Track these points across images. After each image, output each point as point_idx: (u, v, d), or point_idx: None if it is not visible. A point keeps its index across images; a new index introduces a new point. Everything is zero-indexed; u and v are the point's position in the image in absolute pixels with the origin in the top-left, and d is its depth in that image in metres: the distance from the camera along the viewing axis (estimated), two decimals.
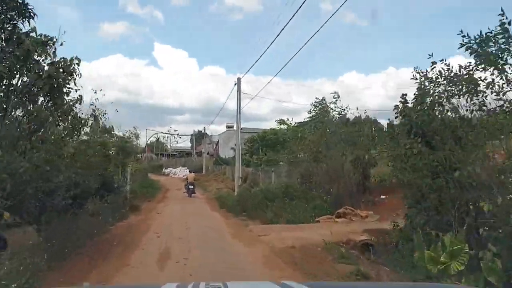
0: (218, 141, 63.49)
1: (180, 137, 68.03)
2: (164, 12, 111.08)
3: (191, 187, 22.42)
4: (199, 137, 73.58)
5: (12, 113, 7.14)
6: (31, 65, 6.93)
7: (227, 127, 65.11)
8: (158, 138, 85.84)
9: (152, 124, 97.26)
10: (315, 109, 14.45)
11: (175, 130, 71.76)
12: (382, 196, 14.42)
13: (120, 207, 14.34)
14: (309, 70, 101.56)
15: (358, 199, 13.69)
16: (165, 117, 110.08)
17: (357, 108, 12.30)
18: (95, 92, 12.42)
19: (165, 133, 53.88)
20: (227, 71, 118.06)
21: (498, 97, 6.19)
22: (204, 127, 45.99)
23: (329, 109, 13.56)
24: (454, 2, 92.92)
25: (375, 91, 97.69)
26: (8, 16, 6.97)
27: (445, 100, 7.43)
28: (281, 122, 18.27)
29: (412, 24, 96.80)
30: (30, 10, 7.12)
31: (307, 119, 18.10)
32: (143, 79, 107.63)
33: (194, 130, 64.03)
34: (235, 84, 19.42)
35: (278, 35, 14.98)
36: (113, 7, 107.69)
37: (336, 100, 13.19)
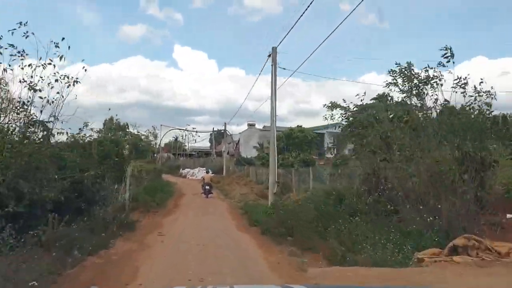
0: (239, 140, 58.72)
1: (199, 135, 63.67)
2: (183, 14, 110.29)
3: (207, 187, 21.80)
4: (218, 136, 69.33)
5: None
6: None
7: (249, 125, 60.82)
8: (177, 138, 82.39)
9: (171, 125, 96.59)
10: (396, 80, 9.19)
11: (193, 128, 67.72)
12: (509, 215, 9.19)
13: (107, 226, 9.62)
14: (330, 71, 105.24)
15: (477, 220, 8.49)
16: (185, 118, 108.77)
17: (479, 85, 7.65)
18: (55, 46, 7.75)
19: (181, 129, 49.44)
20: (247, 72, 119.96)
21: None
22: (225, 123, 41.06)
23: (436, 79, 8.14)
24: (477, 2, 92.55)
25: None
26: None
27: None
28: (334, 106, 13.08)
29: (434, 23, 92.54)
30: None
31: (372, 101, 12.87)
32: (163, 80, 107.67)
33: (213, 128, 59.53)
34: (269, 55, 14.53)
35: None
36: (133, 9, 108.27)
37: (448, 61, 7.85)
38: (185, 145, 77.42)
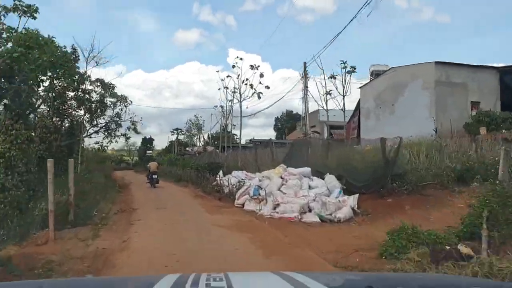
0: (358, 105, 25.92)
1: (261, 94, 28.27)
2: (236, 17, 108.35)
3: (154, 176, 19.90)
4: (290, 118, 37.46)
5: None
6: None
7: (375, 74, 28.36)
8: (226, 127, 50.35)
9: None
10: None
11: (257, 92, 35.01)
12: None
13: None
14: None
15: None
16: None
17: None
18: None
19: None
20: (301, 73, 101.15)
21: None
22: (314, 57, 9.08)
23: None
24: None
25: None
26: None
27: None
28: None
29: (478, 22, 79.16)
30: None
31: None
32: (217, 84, 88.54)
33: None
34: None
35: None
36: (187, 14, 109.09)
37: None
38: (237, 137, 45.66)
